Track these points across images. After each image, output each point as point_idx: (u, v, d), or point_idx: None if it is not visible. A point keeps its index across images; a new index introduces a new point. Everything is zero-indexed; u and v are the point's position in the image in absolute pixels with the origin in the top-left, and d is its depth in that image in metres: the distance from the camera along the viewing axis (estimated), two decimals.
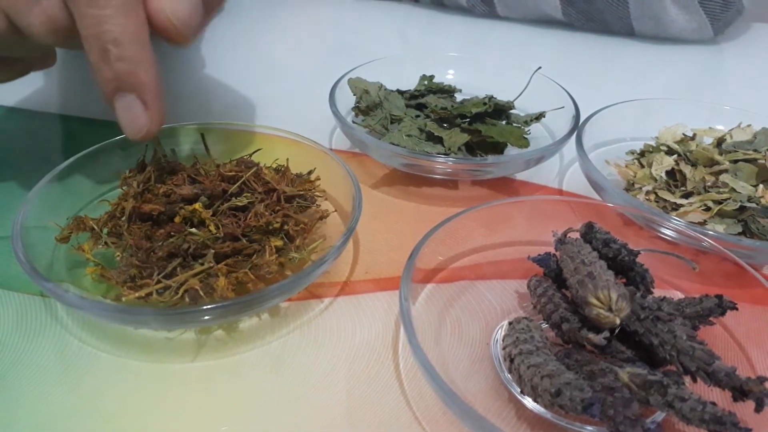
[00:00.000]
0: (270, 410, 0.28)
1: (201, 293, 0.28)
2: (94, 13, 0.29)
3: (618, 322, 0.27)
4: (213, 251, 0.30)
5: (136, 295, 0.28)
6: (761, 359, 0.30)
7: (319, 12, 0.81)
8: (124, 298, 0.29)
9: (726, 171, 0.41)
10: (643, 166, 0.44)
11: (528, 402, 0.28)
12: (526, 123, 0.47)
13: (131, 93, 0.31)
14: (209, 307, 0.27)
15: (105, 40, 0.29)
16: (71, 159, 0.37)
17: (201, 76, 0.60)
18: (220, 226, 0.32)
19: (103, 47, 0.29)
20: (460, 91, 0.52)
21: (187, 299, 0.28)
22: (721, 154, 0.43)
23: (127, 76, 0.30)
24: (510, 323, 0.30)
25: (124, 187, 0.35)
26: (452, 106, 0.47)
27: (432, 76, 0.53)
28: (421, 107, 0.48)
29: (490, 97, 0.48)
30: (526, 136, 0.45)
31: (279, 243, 0.32)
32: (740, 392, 0.25)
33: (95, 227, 0.32)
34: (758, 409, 0.25)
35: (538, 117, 0.47)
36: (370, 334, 0.33)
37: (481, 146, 0.45)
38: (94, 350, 0.31)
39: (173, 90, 0.57)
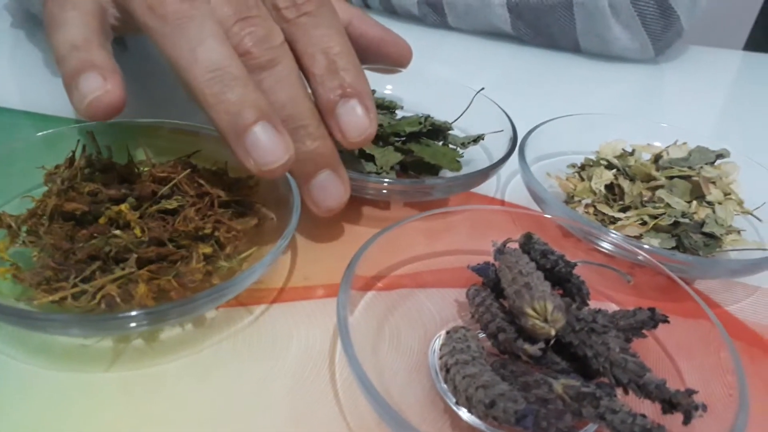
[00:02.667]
0: (194, 423, 0.27)
1: (118, 300, 0.27)
2: (321, 32, 0.35)
3: (553, 333, 0.27)
4: (136, 256, 0.29)
5: (50, 298, 0.27)
6: (691, 372, 0.31)
7: None
8: (36, 301, 0.27)
9: (662, 187, 0.42)
10: (583, 180, 0.45)
11: (463, 413, 0.28)
12: (463, 145, 0.46)
13: (355, 98, 0.34)
14: (122, 315, 0.26)
15: (333, 53, 0.34)
16: None
17: (158, 74, 0.58)
18: (146, 229, 0.30)
19: (331, 60, 0.34)
20: (402, 107, 0.51)
21: (103, 305, 0.26)
22: (658, 170, 0.44)
23: (354, 84, 0.34)
24: (448, 333, 0.30)
25: (49, 184, 0.33)
26: (388, 124, 0.45)
27: (373, 91, 0.51)
28: None
29: (427, 117, 0.46)
30: (459, 159, 0.44)
31: (208, 250, 0.30)
32: (669, 404, 0.26)
33: (12, 224, 0.30)
34: (686, 421, 0.25)
35: (476, 140, 0.46)
36: (307, 342, 0.32)
37: (415, 167, 0.44)
38: None
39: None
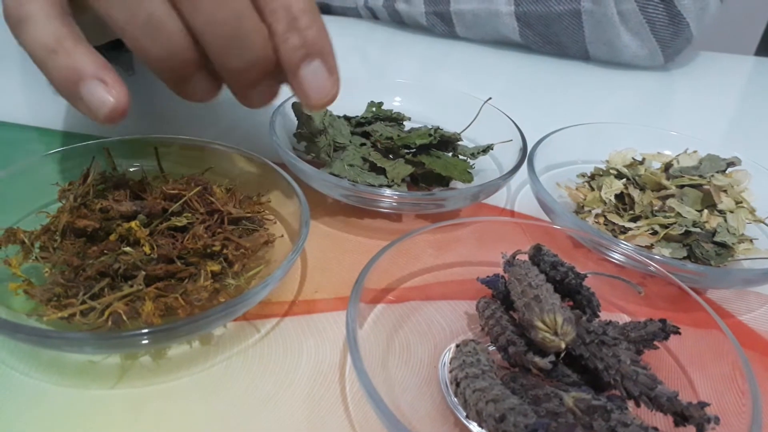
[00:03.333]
0: None
1: (124, 317, 0.27)
2: None
3: (563, 346, 0.27)
4: (144, 273, 0.29)
5: (59, 315, 0.27)
6: (703, 383, 0.31)
7: None
8: (45, 318, 0.27)
9: (673, 196, 0.42)
10: (593, 189, 0.45)
11: (473, 427, 0.28)
12: (473, 156, 0.46)
13: (318, 59, 0.33)
14: (133, 333, 0.26)
15: (295, 9, 0.32)
16: (11, 167, 0.35)
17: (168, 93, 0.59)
18: (155, 246, 0.30)
19: (293, 16, 0.32)
20: (409, 119, 0.51)
21: (110, 323, 0.27)
22: (668, 179, 0.44)
23: (314, 42, 0.33)
24: (457, 346, 0.30)
25: (62, 201, 0.34)
26: (398, 136, 0.46)
27: (381, 103, 0.51)
28: (367, 135, 0.47)
29: (436, 129, 0.47)
30: (470, 170, 0.44)
31: (216, 268, 0.31)
32: (682, 417, 0.25)
33: (26, 240, 0.31)
34: None
35: (485, 150, 0.46)
36: (317, 356, 0.32)
37: (426, 178, 0.44)
38: (3, 366, 0.29)
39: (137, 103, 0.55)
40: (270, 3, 0.32)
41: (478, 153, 0.46)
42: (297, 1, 0.33)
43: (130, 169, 0.39)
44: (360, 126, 0.48)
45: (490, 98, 0.49)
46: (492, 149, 0.47)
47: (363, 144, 0.46)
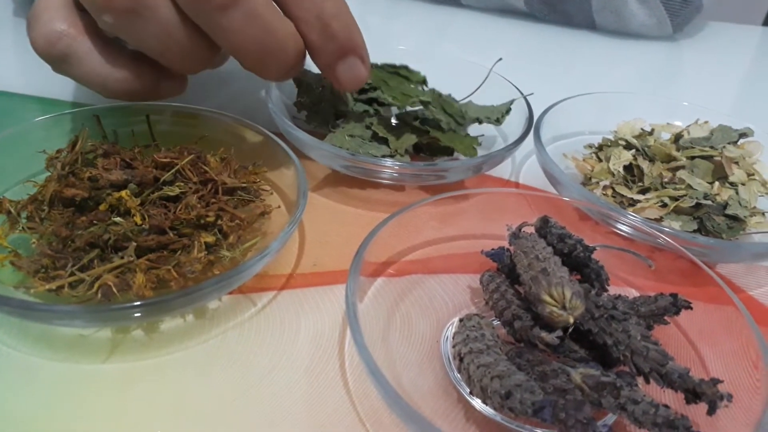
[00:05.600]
0: (198, 415, 0.26)
1: (114, 290, 0.26)
2: None
3: (571, 320, 0.26)
4: (135, 244, 0.28)
5: (47, 287, 0.26)
6: (714, 359, 0.30)
7: None
8: (33, 290, 0.26)
9: (683, 167, 0.41)
10: (600, 161, 0.43)
11: (477, 403, 0.27)
12: (498, 121, 0.44)
13: (352, 55, 0.36)
14: (124, 305, 0.25)
15: (327, 16, 0.34)
16: None
17: None
18: (146, 216, 0.29)
19: (325, 23, 0.34)
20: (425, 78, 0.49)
21: (99, 295, 0.26)
22: (678, 150, 0.43)
23: (349, 42, 0.35)
24: (461, 320, 0.29)
25: (50, 169, 0.32)
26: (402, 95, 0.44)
27: (381, 64, 0.49)
28: (371, 102, 0.45)
29: (433, 90, 0.46)
30: (476, 146, 0.42)
31: (210, 239, 0.30)
32: (693, 394, 0.24)
33: (12, 210, 0.30)
34: (711, 412, 0.24)
35: (508, 110, 0.45)
36: (316, 330, 0.31)
37: (431, 149, 0.43)
38: None
39: None
40: (299, 10, 0.34)
41: (502, 116, 0.44)
42: (329, 7, 0.34)
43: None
44: (363, 92, 0.46)
45: (500, 59, 0.48)
46: (511, 109, 0.45)
47: (365, 111, 0.44)
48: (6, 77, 0.51)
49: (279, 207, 0.34)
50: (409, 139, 0.41)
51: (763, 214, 0.39)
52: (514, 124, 0.44)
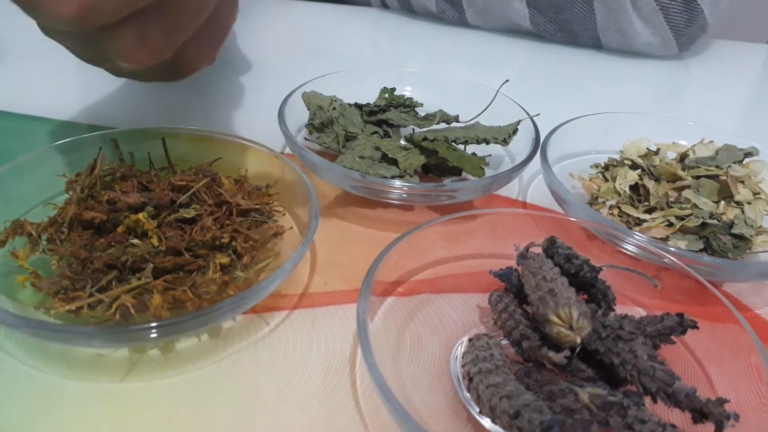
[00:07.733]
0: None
1: (132, 311, 0.27)
2: None
3: (579, 340, 0.27)
4: (152, 265, 0.28)
5: (66, 308, 0.27)
6: (721, 378, 0.30)
7: (289, 16, 0.80)
8: (53, 311, 0.27)
9: (689, 187, 0.41)
10: (607, 180, 0.44)
11: (486, 423, 0.27)
12: (504, 141, 0.44)
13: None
14: (141, 327, 0.25)
15: None
16: (17, 159, 0.35)
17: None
18: (163, 238, 0.30)
19: None
20: (422, 105, 0.50)
21: (118, 316, 0.26)
22: (684, 169, 0.43)
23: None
24: (470, 340, 0.29)
25: (69, 192, 0.33)
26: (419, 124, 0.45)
27: (393, 89, 0.51)
28: (380, 123, 0.46)
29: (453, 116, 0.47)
30: (483, 166, 0.42)
31: (225, 260, 0.30)
32: (700, 414, 0.25)
33: (33, 233, 0.30)
34: (718, 431, 0.24)
35: (515, 131, 0.45)
36: (327, 349, 0.31)
37: (439, 169, 0.44)
38: (11, 360, 0.29)
39: (144, 92, 0.55)
40: None
41: (510, 136, 0.44)
42: None
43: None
44: (373, 114, 0.47)
45: (507, 80, 0.48)
46: (518, 129, 0.45)
47: (374, 132, 0.45)
48: (18, 100, 0.52)
49: (291, 228, 0.35)
50: (418, 159, 0.42)
51: None
52: (521, 144, 0.45)
